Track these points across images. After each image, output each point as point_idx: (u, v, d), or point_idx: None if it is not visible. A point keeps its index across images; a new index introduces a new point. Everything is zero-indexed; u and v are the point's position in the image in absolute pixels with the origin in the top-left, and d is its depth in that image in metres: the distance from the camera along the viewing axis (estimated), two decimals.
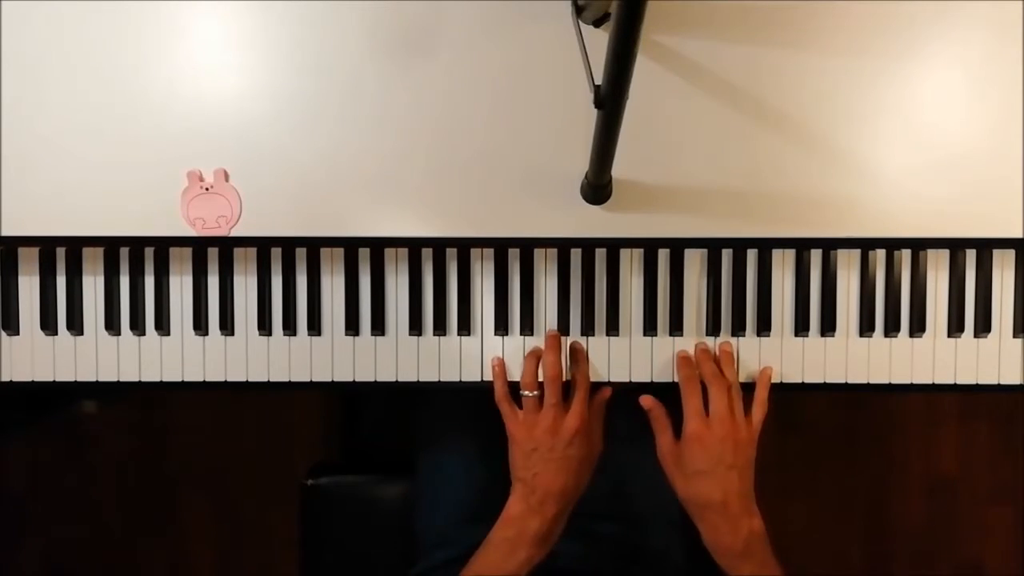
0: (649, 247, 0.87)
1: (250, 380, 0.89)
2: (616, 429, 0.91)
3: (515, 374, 0.88)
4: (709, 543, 0.82)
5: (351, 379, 0.89)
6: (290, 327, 0.88)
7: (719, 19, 0.82)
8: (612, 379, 0.88)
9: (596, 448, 0.86)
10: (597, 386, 0.87)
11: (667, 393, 0.87)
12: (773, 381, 0.87)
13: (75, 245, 0.88)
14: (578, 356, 0.86)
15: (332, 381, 0.89)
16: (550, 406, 0.82)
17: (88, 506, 1.77)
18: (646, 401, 0.85)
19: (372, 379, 0.88)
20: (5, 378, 0.89)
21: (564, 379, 0.85)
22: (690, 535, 0.86)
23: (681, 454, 0.83)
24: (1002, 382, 0.88)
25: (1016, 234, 0.84)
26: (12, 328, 0.88)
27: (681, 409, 0.84)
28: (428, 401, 1.06)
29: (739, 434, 0.82)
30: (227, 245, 0.87)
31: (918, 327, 0.87)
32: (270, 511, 1.74)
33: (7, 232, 0.85)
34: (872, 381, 0.88)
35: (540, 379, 0.85)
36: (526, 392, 0.84)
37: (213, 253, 0.88)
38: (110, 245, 0.88)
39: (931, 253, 0.87)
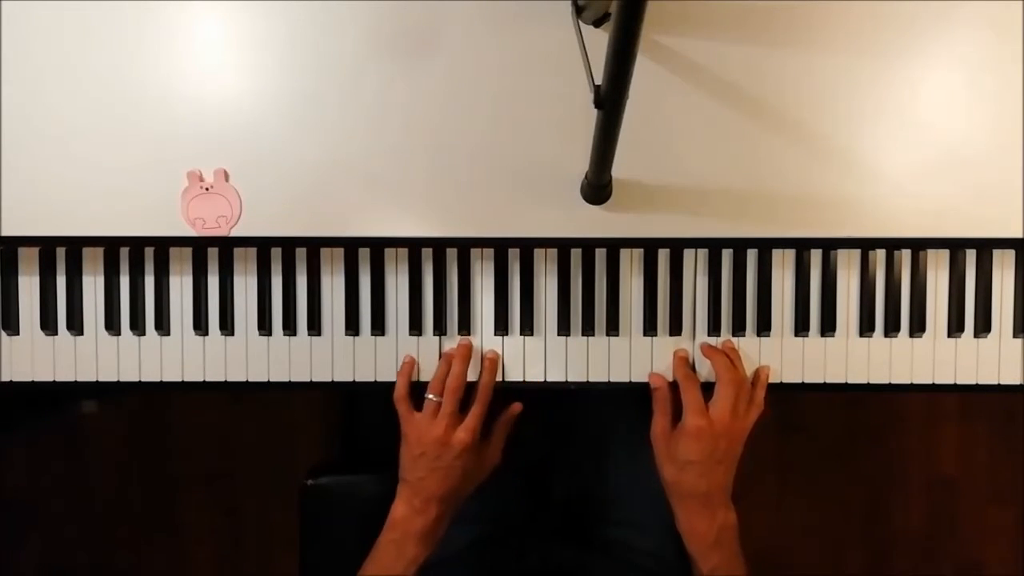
0: (649, 247, 0.87)
1: (250, 380, 0.89)
2: (614, 432, 0.91)
3: (516, 374, 0.88)
4: (684, 528, 0.85)
5: (351, 379, 0.89)
6: (290, 327, 0.88)
7: (719, 19, 0.82)
8: (612, 379, 0.88)
9: (490, 460, 0.88)
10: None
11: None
12: (773, 381, 0.87)
13: (75, 245, 0.88)
14: (486, 368, 0.87)
15: (332, 381, 0.89)
16: (444, 416, 0.83)
17: (88, 506, 1.77)
18: (655, 379, 0.86)
19: (372, 379, 0.89)
20: (5, 378, 0.89)
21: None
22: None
23: (676, 443, 0.83)
24: (1002, 382, 0.88)
25: (1016, 234, 0.84)
26: (12, 328, 0.88)
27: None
28: None
29: (734, 432, 0.83)
30: (227, 245, 0.87)
31: (918, 327, 0.87)
32: (270, 511, 1.74)
33: (7, 232, 0.85)
34: (872, 381, 0.88)
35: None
36: (430, 395, 0.85)
37: (213, 253, 0.88)
38: (110, 245, 0.88)
39: (931, 253, 0.87)
